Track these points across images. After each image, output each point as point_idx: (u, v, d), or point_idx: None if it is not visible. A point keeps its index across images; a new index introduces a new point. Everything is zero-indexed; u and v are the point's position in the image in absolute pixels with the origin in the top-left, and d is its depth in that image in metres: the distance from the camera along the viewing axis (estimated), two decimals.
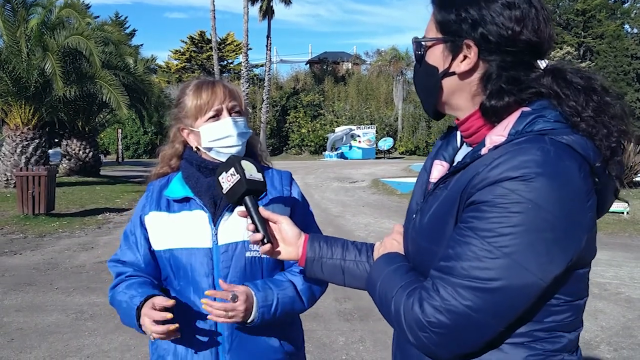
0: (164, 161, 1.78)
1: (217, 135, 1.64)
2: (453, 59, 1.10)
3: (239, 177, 1.38)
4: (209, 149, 1.66)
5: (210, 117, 1.65)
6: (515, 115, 1.05)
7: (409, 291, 1.05)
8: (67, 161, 20.35)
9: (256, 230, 1.36)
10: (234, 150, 1.65)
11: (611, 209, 1.08)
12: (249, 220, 1.39)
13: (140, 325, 1.51)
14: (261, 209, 1.40)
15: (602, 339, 4.55)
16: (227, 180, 1.40)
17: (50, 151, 18.15)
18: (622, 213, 11.24)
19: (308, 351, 4.13)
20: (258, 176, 1.41)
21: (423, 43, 1.15)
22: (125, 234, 1.71)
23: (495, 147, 1.02)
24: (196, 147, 1.69)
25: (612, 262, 7.26)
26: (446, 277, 0.99)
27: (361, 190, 16.53)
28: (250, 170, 1.41)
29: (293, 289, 1.60)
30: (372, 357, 4.13)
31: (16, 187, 10.59)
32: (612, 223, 10.35)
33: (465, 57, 1.08)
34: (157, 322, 1.45)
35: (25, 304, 5.38)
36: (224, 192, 1.42)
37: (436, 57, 1.12)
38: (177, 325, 1.45)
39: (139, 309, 1.51)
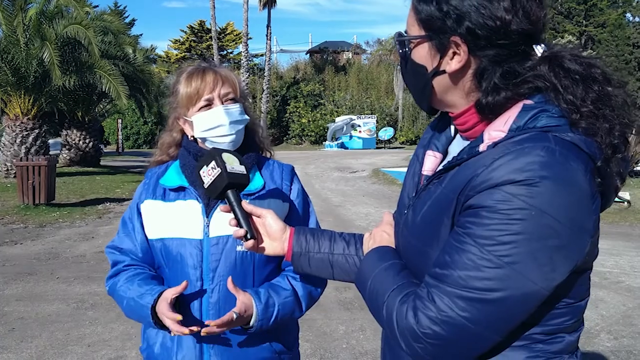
0: (162, 149, 1.76)
1: (209, 125, 1.60)
2: (442, 57, 1.02)
3: (220, 170, 1.31)
4: (204, 139, 1.63)
5: (202, 107, 1.60)
6: (517, 108, 0.98)
7: (402, 297, 0.99)
8: (67, 151, 20.31)
9: (239, 225, 1.30)
10: (227, 140, 1.60)
11: None
12: (232, 215, 1.32)
13: (156, 323, 1.52)
14: (244, 203, 1.33)
15: (602, 327, 4.56)
16: (208, 174, 1.34)
17: (50, 141, 18.10)
18: (623, 202, 11.22)
19: (308, 340, 4.18)
20: (240, 169, 1.34)
21: (407, 41, 1.06)
22: (123, 221, 1.69)
23: (495, 144, 0.96)
24: (192, 136, 1.66)
25: (613, 251, 7.26)
26: (442, 286, 0.93)
27: (361, 180, 16.52)
28: (232, 162, 1.34)
29: (294, 297, 1.57)
30: (372, 346, 4.14)
31: (16, 177, 10.57)
32: (613, 212, 10.33)
33: (454, 54, 1.00)
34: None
35: (26, 294, 5.39)
36: (205, 187, 1.35)
37: (423, 55, 1.04)
38: (197, 328, 1.46)
39: (154, 307, 1.50)
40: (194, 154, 1.64)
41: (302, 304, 1.59)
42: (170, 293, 1.49)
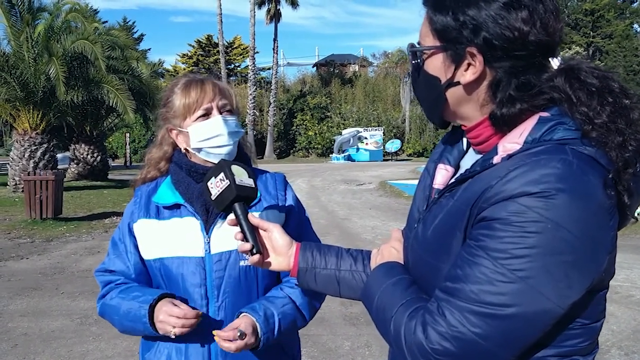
0: (151, 165, 1.69)
1: (207, 135, 1.56)
2: (456, 68, 0.99)
3: (229, 182, 1.30)
4: (199, 150, 1.58)
5: (200, 116, 1.56)
6: (532, 121, 0.95)
7: (410, 312, 0.95)
8: (75, 165, 20.44)
9: (245, 239, 1.28)
10: (224, 150, 1.57)
11: None
12: (238, 229, 1.30)
13: (150, 324, 1.46)
14: (251, 217, 1.30)
15: (613, 342, 4.47)
16: (216, 185, 1.32)
17: (59, 155, 18.23)
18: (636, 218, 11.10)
19: (313, 356, 4.12)
20: (249, 182, 1.32)
21: (420, 52, 1.04)
22: (114, 242, 1.63)
23: (509, 156, 0.93)
24: (185, 149, 1.61)
25: (624, 264, 7.14)
26: (453, 300, 0.89)
27: (368, 193, 16.47)
28: (241, 175, 1.32)
29: (293, 305, 1.53)
30: None
31: (24, 191, 10.63)
32: None
33: (469, 65, 0.98)
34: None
35: (30, 309, 5.37)
36: (213, 199, 1.33)
37: (436, 66, 1.02)
38: (198, 312, 1.45)
39: (152, 306, 1.46)
40: (186, 169, 1.59)
41: (304, 312, 1.55)
42: (177, 302, 1.47)
